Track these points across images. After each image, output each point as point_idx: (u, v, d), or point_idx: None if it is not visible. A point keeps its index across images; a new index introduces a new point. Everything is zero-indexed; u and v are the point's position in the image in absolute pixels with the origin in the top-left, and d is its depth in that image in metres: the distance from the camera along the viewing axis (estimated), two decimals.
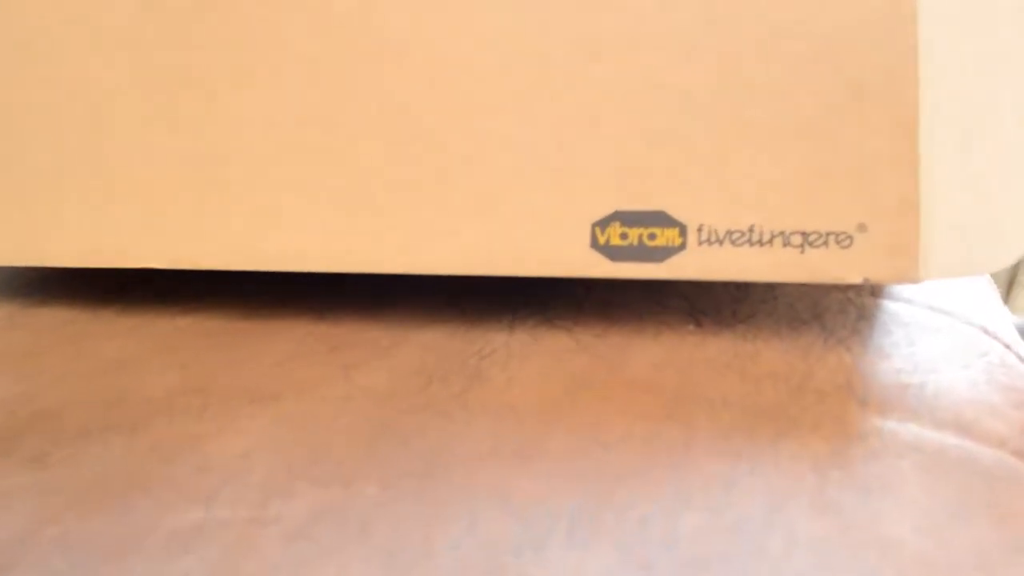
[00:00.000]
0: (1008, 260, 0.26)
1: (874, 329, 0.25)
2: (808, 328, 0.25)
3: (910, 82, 0.23)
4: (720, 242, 0.24)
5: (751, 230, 0.24)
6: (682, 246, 0.24)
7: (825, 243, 0.23)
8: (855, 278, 0.23)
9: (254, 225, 0.28)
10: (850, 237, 0.23)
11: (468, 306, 0.29)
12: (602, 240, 0.25)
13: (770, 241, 0.24)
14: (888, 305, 0.27)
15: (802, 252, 0.24)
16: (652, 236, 0.25)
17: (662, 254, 0.25)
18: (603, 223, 0.25)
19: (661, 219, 0.25)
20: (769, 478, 0.18)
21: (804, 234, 0.24)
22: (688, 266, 0.24)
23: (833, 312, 0.26)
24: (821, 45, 0.24)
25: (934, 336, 0.25)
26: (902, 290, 0.28)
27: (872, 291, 0.28)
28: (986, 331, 0.26)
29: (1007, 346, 0.26)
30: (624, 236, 0.25)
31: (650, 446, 0.19)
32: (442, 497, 0.18)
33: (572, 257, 0.25)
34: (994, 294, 0.32)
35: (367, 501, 0.19)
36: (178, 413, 0.24)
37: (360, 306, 0.30)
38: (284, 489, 0.20)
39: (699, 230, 0.24)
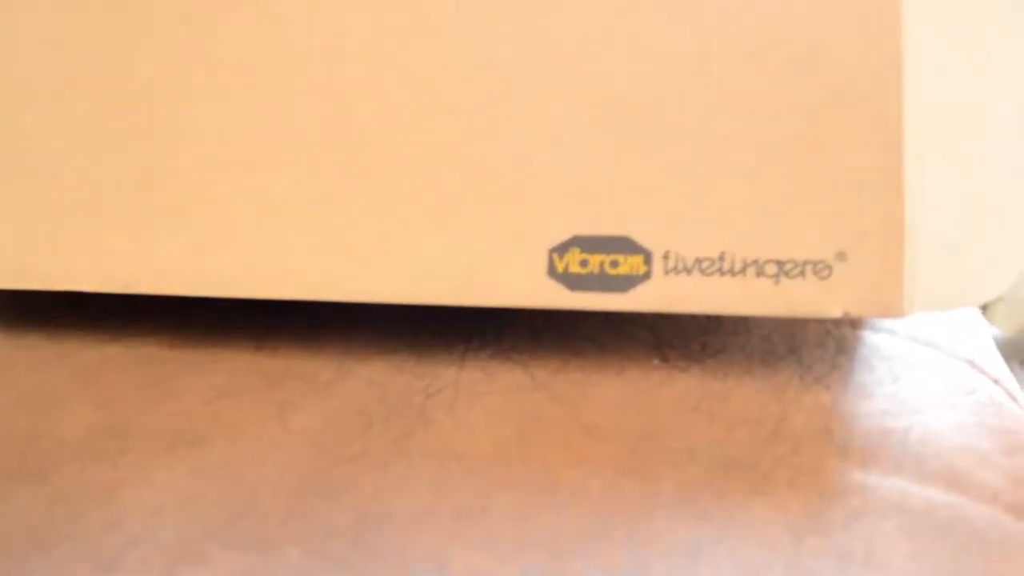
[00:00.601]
0: (999, 289, 0.24)
1: (854, 364, 0.23)
2: (783, 364, 0.23)
3: (894, 94, 0.21)
4: (688, 271, 0.22)
5: (722, 258, 0.22)
6: (647, 275, 0.22)
7: (802, 273, 0.22)
8: (834, 312, 0.21)
9: (192, 248, 0.26)
10: (829, 267, 0.21)
11: (419, 334, 0.26)
12: (560, 267, 0.23)
13: (742, 270, 0.22)
14: (869, 337, 0.25)
15: (777, 283, 0.22)
16: (614, 263, 0.23)
17: (625, 283, 0.22)
18: (561, 249, 0.23)
19: (624, 245, 0.23)
20: (739, 546, 0.16)
21: (779, 263, 0.22)
22: (653, 297, 0.22)
23: (811, 345, 0.24)
24: (797, 53, 0.22)
25: (918, 372, 0.23)
26: (884, 320, 0.26)
27: (852, 322, 0.26)
28: (973, 365, 0.25)
29: (995, 381, 0.24)
30: (584, 263, 0.23)
31: (607, 507, 0.17)
32: (370, 566, 0.16)
33: (527, 286, 0.23)
34: (978, 318, 0.30)
35: (287, 570, 0.17)
36: (92, 459, 0.22)
37: (302, 334, 0.27)
38: (196, 553, 0.18)
39: (665, 257, 0.22)
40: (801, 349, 0.24)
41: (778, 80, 0.22)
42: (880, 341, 0.25)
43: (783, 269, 0.22)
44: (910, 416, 0.21)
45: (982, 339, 0.27)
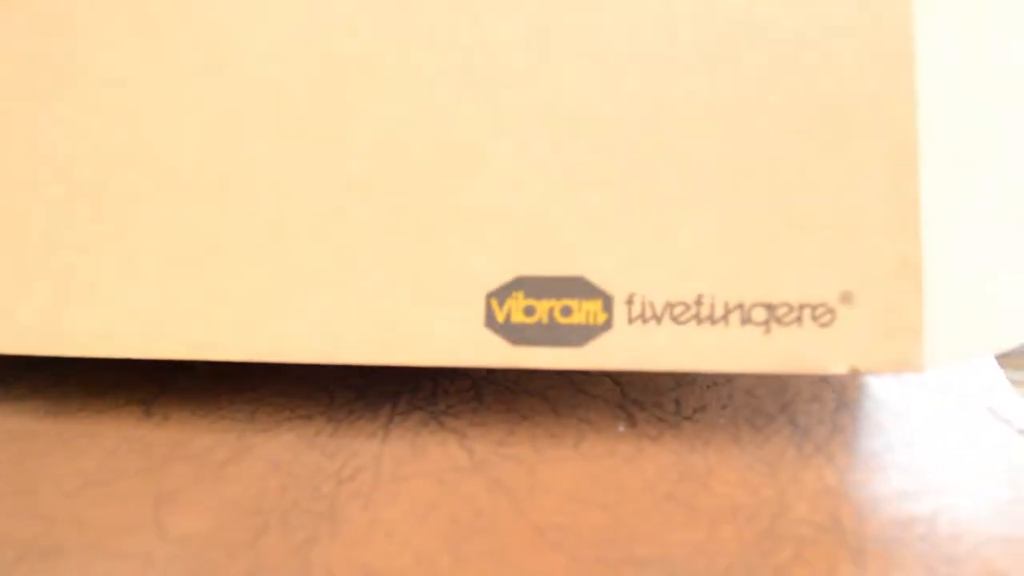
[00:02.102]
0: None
1: (859, 424, 0.19)
2: (775, 426, 0.19)
3: (906, 102, 0.17)
4: (658, 319, 0.18)
5: (699, 302, 0.18)
6: (607, 324, 0.18)
7: (798, 319, 0.17)
8: (839, 367, 0.17)
9: (65, 304, 0.21)
10: (831, 311, 0.17)
11: (338, 394, 0.22)
12: (500, 316, 0.19)
13: (724, 318, 0.18)
14: (871, 384, 0.21)
15: (767, 332, 0.17)
16: (567, 311, 0.18)
17: (581, 335, 0.18)
18: (501, 293, 0.19)
19: (579, 287, 0.18)
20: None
21: (770, 307, 0.18)
22: (616, 352, 0.18)
23: (805, 400, 0.20)
24: (790, 55, 0.18)
25: (935, 430, 0.19)
26: None
27: None
28: (995, 414, 0.21)
29: (1021, 431, 0.20)
30: (529, 311, 0.19)
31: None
32: None
33: (460, 340, 0.19)
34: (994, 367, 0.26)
35: None
36: None
37: (199, 396, 0.23)
38: None
39: (629, 302, 0.18)
40: (794, 405, 0.20)
41: (768, 88, 0.18)
42: (885, 390, 0.21)
43: (774, 315, 0.17)
44: (934, 497, 0.17)
45: (995, 374, 0.23)
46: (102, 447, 0.21)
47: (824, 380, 0.21)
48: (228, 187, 0.20)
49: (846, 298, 0.17)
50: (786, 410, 0.20)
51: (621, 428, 0.19)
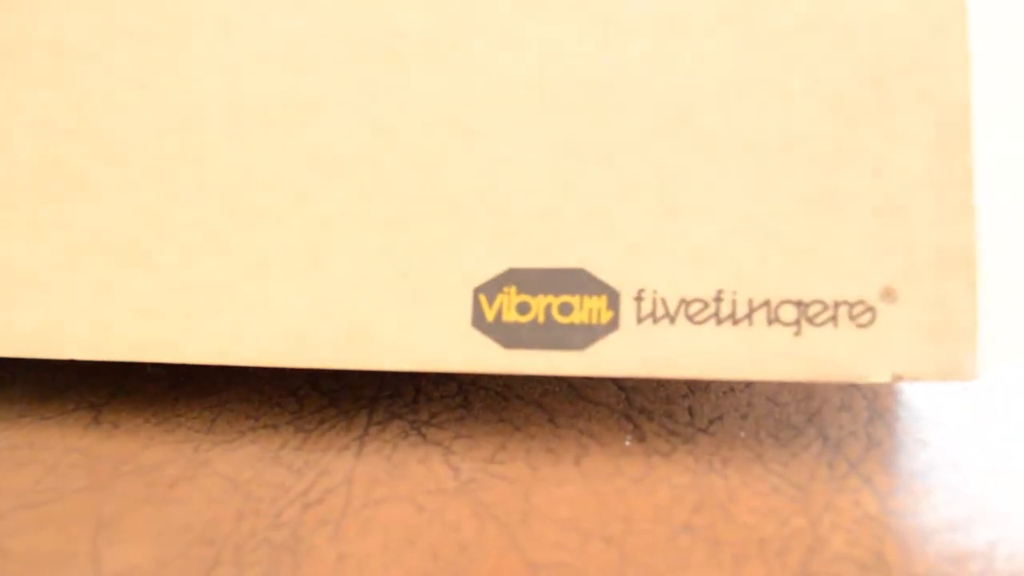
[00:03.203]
0: None
1: (897, 438, 0.17)
2: (802, 440, 0.17)
3: (961, 70, 0.15)
4: (671, 318, 0.16)
5: (719, 300, 0.15)
6: (612, 324, 0.16)
7: (833, 319, 0.15)
8: (881, 375, 0.15)
9: (10, 303, 0.19)
10: (871, 310, 0.15)
11: (308, 400, 0.20)
12: (490, 315, 0.16)
13: (747, 316, 0.15)
14: (905, 390, 0.19)
15: (797, 333, 0.15)
16: (566, 308, 0.16)
17: (582, 337, 0.16)
18: (490, 288, 0.16)
19: (580, 282, 0.16)
20: None
21: (800, 305, 0.15)
22: (623, 356, 0.16)
23: (834, 409, 0.18)
24: (825, 15, 0.15)
25: (981, 443, 0.17)
26: None
27: None
28: None
29: None
30: (523, 308, 0.16)
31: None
32: None
33: (444, 343, 0.16)
34: None
35: None
36: None
37: (155, 399, 0.20)
38: None
39: (638, 299, 0.16)
40: (822, 414, 0.17)
41: (796, 53, 0.15)
42: (920, 396, 0.18)
43: (806, 314, 0.15)
44: (990, 527, 0.15)
45: None
46: (42, 460, 0.18)
47: (855, 385, 0.19)
48: (181, 169, 0.18)
49: (888, 295, 0.15)
50: (815, 421, 0.17)
51: (628, 442, 0.17)
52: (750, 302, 0.15)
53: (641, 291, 0.16)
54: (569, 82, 0.16)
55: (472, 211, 0.16)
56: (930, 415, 0.18)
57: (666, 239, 0.16)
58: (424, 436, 0.18)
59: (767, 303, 0.15)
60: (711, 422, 0.17)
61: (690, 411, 0.18)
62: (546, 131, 0.16)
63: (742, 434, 0.17)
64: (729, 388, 0.18)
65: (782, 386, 0.18)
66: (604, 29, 0.16)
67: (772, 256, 0.15)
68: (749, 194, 0.15)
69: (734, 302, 0.15)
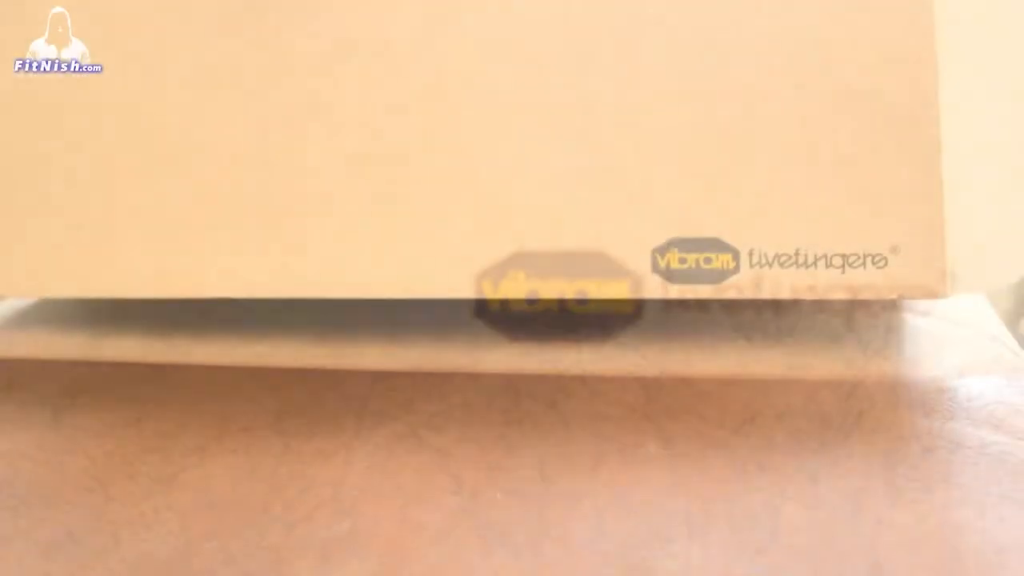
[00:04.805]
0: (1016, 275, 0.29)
1: (904, 341, 0.28)
2: (846, 342, 0.28)
3: (931, 127, 0.26)
4: (769, 264, 0.27)
5: (797, 253, 0.27)
6: (735, 268, 0.27)
7: (863, 264, 0.27)
8: (891, 294, 0.26)
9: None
10: (885, 258, 0.26)
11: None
12: (662, 264, 0.28)
13: (814, 263, 0.27)
14: (911, 319, 0.30)
15: (843, 272, 0.27)
16: (708, 260, 0.28)
17: (718, 276, 0.27)
18: (662, 250, 0.28)
19: (716, 245, 0.28)
20: (846, 472, 0.21)
21: (844, 256, 0.27)
22: (742, 286, 0.27)
23: (865, 327, 0.29)
24: (852, 80, 0.27)
25: (956, 346, 0.28)
26: (920, 305, 0.31)
27: (895, 306, 0.31)
28: (995, 339, 0.30)
29: (1015, 353, 0.30)
30: (683, 261, 0.28)
31: (736, 456, 0.22)
32: None
33: (636, 279, 0.28)
34: (989, 307, 0.35)
35: None
36: None
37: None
38: None
39: (750, 254, 0.27)
40: (858, 329, 0.29)
41: (838, 109, 0.27)
42: (920, 322, 0.30)
43: (847, 261, 0.27)
44: (956, 379, 0.26)
45: (995, 318, 0.32)
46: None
47: (876, 315, 0.30)
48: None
49: (895, 249, 0.26)
50: (853, 332, 0.29)
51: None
52: (815, 255, 0.27)
53: (752, 250, 0.27)
54: (717, 123, 0.28)
55: (651, 203, 0.28)
56: (923, 330, 0.29)
57: (766, 220, 0.27)
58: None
59: (825, 255, 0.27)
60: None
61: (777, 329, 0.29)
62: (698, 152, 0.28)
63: (810, 337, 0.28)
64: (798, 316, 0.30)
65: (833, 316, 0.30)
66: (728, 100, 0.28)
67: (827, 228, 0.27)
68: (812, 193, 0.27)
69: (806, 255, 0.27)
